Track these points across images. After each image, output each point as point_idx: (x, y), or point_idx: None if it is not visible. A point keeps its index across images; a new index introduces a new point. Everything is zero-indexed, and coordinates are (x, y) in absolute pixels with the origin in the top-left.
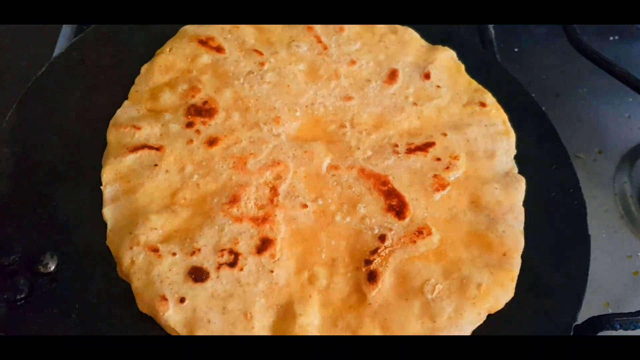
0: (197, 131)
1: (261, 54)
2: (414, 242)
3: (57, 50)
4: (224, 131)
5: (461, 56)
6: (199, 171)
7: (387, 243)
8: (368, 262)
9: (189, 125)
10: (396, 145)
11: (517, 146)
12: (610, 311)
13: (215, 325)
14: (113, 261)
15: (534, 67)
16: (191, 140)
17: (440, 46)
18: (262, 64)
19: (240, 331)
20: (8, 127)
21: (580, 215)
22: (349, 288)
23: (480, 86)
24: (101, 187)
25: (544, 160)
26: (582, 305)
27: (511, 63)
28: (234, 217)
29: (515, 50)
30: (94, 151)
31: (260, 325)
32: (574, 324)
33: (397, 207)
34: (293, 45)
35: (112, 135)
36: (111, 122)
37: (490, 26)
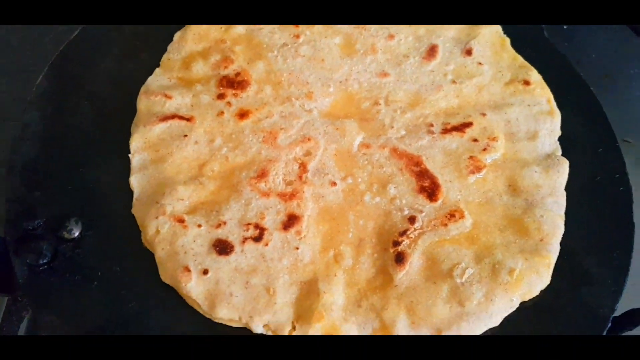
0: (228, 103)
1: (297, 25)
2: (445, 225)
3: None
4: (255, 104)
5: (506, 30)
6: (228, 144)
7: (416, 225)
8: (396, 243)
9: (220, 96)
10: (431, 125)
11: (562, 127)
12: None
13: (237, 299)
14: (138, 230)
15: (583, 45)
16: (222, 112)
17: None
18: (297, 36)
19: (262, 306)
20: (39, 90)
21: (625, 202)
22: (376, 269)
23: (525, 62)
24: (129, 155)
25: (590, 143)
26: (622, 296)
27: (559, 40)
28: (261, 192)
29: (564, 26)
30: (124, 118)
31: (283, 302)
32: (612, 315)
33: (429, 188)
34: None
35: (142, 103)
36: (142, 89)
37: None
